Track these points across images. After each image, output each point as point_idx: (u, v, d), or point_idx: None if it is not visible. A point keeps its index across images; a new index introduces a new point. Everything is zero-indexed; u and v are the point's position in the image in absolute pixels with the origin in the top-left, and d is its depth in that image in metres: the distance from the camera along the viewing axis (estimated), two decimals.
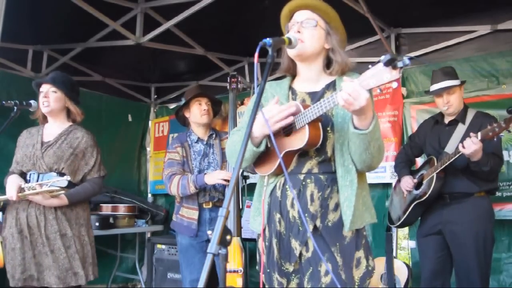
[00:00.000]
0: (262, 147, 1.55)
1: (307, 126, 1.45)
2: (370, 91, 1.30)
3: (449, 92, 2.65)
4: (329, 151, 1.55)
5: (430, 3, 3.24)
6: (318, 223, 1.52)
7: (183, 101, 2.90)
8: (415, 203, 2.72)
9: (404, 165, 2.97)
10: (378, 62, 1.22)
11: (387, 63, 1.18)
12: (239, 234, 2.52)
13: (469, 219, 2.54)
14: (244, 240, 2.74)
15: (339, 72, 1.60)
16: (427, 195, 2.61)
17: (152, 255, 3.90)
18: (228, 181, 2.56)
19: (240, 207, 2.68)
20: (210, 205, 2.73)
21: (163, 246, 3.83)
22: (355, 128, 1.41)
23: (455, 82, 2.66)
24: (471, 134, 2.37)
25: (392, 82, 1.21)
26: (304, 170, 1.56)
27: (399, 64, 1.16)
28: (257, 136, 1.52)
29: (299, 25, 1.57)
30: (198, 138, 2.84)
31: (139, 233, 4.72)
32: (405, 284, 2.99)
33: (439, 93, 2.67)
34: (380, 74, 1.22)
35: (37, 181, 2.36)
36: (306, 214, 1.52)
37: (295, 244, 1.54)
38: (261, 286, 1.55)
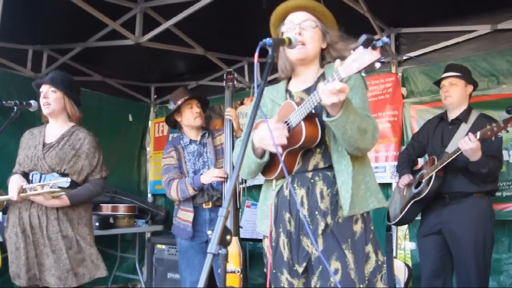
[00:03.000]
0: (266, 158, 1.56)
1: (302, 123, 1.46)
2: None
3: (451, 83, 2.68)
4: (327, 140, 1.56)
5: (430, 3, 3.24)
6: (329, 220, 1.52)
7: (171, 105, 2.85)
8: (413, 201, 2.72)
9: (406, 165, 2.99)
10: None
11: (366, 44, 1.15)
12: (236, 234, 2.51)
13: (468, 218, 2.55)
14: (242, 240, 2.73)
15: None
16: (424, 193, 2.62)
17: (152, 255, 3.90)
18: (224, 178, 2.57)
19: (239, 207, 2.67)
20: (210, 205, 2.72)
21: (163, 246, 3.83)
22: (327, 116, 1.40)
23: (458, 75, 2.69)
24: (470, 134, 2.38)
25: (375, 62, 1.17)
26: (310, 167, 1.56)
27: (378, 43, 1.14)
28: (258, 147, 1.54)
29: (299, 27, 1.56)
30: (191, 140, 2.84)
31: (139, 233, 4.71)
32: (405, 284, 2.99)
33: (441, 80, 2.72)
34: (362, 57, 1.19)
35: (40, 181, 2.36)
36: (317, 212, 1.52)
37: (306, 242, 1.54)
38: (267, 286, 1.55)
